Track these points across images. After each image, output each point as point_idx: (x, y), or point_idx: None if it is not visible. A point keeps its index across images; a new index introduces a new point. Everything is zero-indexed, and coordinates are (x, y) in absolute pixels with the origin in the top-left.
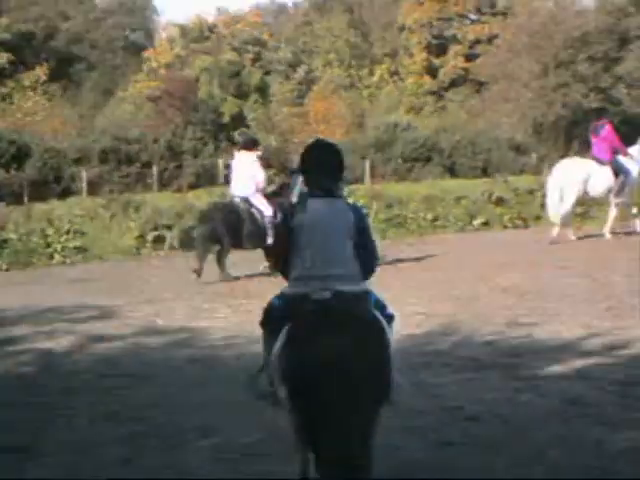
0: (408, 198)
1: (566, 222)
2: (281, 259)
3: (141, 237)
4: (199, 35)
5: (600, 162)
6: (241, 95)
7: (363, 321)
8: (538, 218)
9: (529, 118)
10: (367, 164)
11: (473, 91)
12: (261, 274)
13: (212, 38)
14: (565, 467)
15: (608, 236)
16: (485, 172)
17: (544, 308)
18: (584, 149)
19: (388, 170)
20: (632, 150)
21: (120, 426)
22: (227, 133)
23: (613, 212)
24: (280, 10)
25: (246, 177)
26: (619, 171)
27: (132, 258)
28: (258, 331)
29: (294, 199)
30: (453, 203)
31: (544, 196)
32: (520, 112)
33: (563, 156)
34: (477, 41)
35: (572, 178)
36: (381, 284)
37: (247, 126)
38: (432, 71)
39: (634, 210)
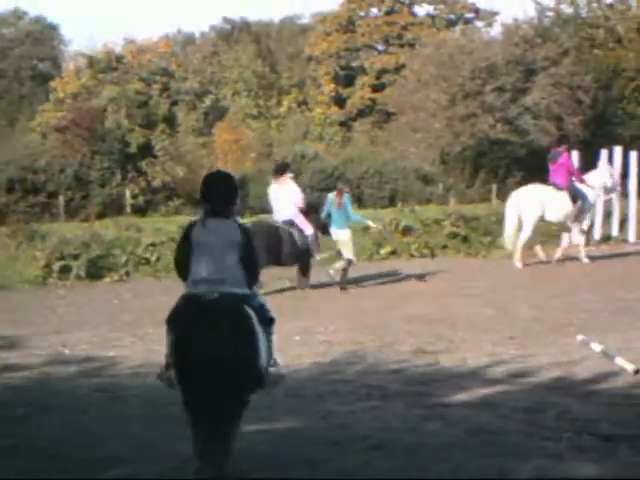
0: None
1: (526, 246)
2: (182, 266)
3: (47, 267)
4: (107, 65)
5: (558, 188)
6: (149, 125)
7: (236, 320)
8: (445, 247)
9: (436, 148)
10: None
11: (381, 121)
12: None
13: (120, 68)
14: None
15: (586, 260)
16: (392, 202)
17: (450, 336)
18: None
19: None
20: (590, 175)
21: (21, 458)
22: (134, 163)
23: (581, 238)
24: (188, 40)
25: (286, 201)
26: (576, 197)
27: (38, 288)
28: (163, 361)
29: (323, 215)
30: (360, 233)
31: (494, 222)
32: (427, 142)
33: (469, 186)
34: (384, 71)
35: (530, 204)
36: (289, 312)
37: (154, 156)
38: (340, 101)
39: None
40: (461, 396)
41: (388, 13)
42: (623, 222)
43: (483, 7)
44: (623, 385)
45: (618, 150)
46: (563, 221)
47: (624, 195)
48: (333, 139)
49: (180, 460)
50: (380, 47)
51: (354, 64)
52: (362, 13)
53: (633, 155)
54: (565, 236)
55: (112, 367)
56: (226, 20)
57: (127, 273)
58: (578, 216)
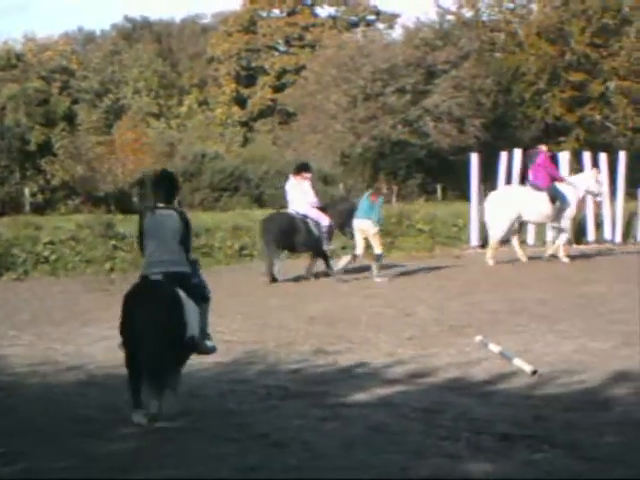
0: (215, 227)
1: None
2: (141, 245)
3: None
4: (6, 63)
5: (537, 189)
6: (48, 123)
7: (168, 294)
8: (343, 248)
9: (337, 149)
10: None
11: (282, 122)
12: None
13: (19, 66)
14: None
15: (565, 260)
16: None
17: (350, 336)
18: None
19: (196, 199)
20: (574, 179)
21: None
22: (34, 161)
23: (561, 238)
24: (88, 39)
25: (299, 197)
26: (555, 197)
27: None
28: (61, 359)
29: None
30: (260, 233)
31: (394, 223)
32: (328, 144)
33: (369, 187)
34: (285, 72)
35: (508, 204)
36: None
37: (54, 154)
38: (240, 101)
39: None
40: (360, 396)
41: (290, 14)
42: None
43: (384, 9)
44: (520, 386)
45: (518, 153)
46: (542, 221)
47: None
48: (234, 139)
49: (86, 457)
50: (281, 48)
51: (255, 64)
52: (264, 14)
53: None
54: (549, 234)
55: (10, 365)
56: (127, 19)
57: (25, 272)
58: (557, 216)
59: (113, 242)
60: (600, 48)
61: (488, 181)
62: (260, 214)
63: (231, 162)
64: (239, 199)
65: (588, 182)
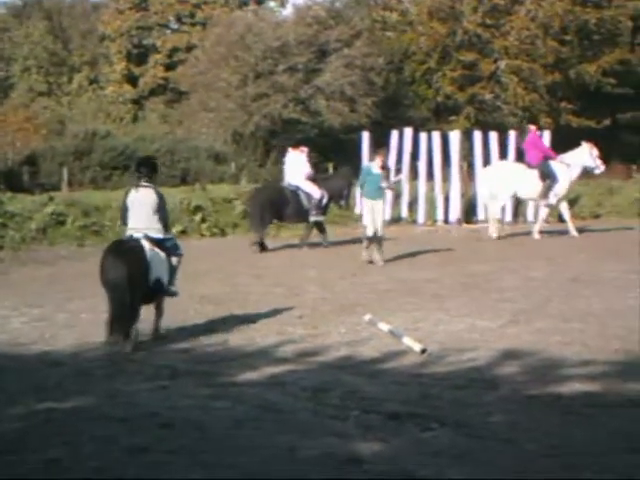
0: (106, 206)
1: (491, 220)
2: (123, 216)
3: None
4: None
5: (529, 166)
6: None
7: (136, 249)
8: (235, 226)
9: (229, 128)
10: (65, 171)
11: (173, 100)
12: None
13: None
14: (257, 474)
15: (537, 236)
16: (184, 181)
17: (239, 316)
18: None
19: (86, 178)
20: (569, 154)
21: None
22: None
23: (542, 214)
24: None
25: (295, 170)
26: (546, 175)
27: None
28: None
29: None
30: (248, 203)
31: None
32: (219, 122)
33: (261, 165)
34: (176, 50)
35: (501, 180)
36: (82, 290)
37: None
38: (132, 80)
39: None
40: (250, 375)
41: None
42: (412, 204)
43: None
44: (410, 364)
45: (408, 132)
46: (532, 198)
47: (414, 177)
48: (125, 117)
49: None
50: (173, 25)
51: (146, 42)
52: None
53: (423, 137)
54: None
55: None
56: None
57: None
58: (545, 193)
59: (1, 220)
60: (491, 28)
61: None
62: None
63: (122, 140)
64: (130, 178)
65: (583, 157)
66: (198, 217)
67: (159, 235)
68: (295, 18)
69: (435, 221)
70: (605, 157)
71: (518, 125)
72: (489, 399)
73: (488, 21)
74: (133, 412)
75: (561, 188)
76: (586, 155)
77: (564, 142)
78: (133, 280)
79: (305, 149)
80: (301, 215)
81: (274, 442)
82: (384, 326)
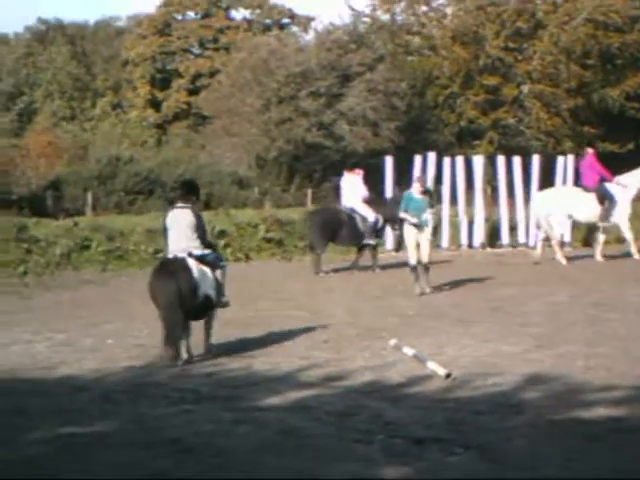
0: (130, 230)
1: (553, 244)
2: (164, 239)
3: None
4: None
5: (586, 189)
6: None
7: (184, 267)
8: (260, 251)
9: (252, 153)
10: (89, 196)
11: (196, 125)
12: None
13: None
14: None
15: (599, 258)
16: (208, 205)
17: (264, 340)
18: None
19: (111, 202)
20: (626, 177)
21: None
22: None
23: (601, 237)
24: (1, 41)
25: (351, 192)
26: (604, 197)
27: None
28: None
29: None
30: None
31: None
32: (243, 147)
33: (284, 190)
34: (199, 75)
35: (558, 205)
36: (104, 314)
37: None
38: (155, 104)
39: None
40: (274, 400)
41: (204, 17)
42: (436, 228)
43: (299, 12)
44: (434, 389)
45: (432, 156)
46: (592, 221)
47: (438, 201)
48: (148, 142)
49: None
50: (196, 50)
51: (170, 67)
52: (178, 16)
53: (446, 161)
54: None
55: None
56: (41, 21)
57: None
58: (605, 216)
59: (26, 245)
60: (514, 52)
61: (402, 184)
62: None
63: (146, 165)
64: (154, 202)
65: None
66: (222, 242)
67: (197, 250)
68: (317, 42)
69: (459, 245)
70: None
71: (542, 149)
72: (513, 424)
73: (511, 45)
74: (156, 437)
75: (620, 210)
76: None
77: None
78: (183, 298)
79: (361, 171)
80: (356, 238)
81: (296, 467)
82: (409, 350)
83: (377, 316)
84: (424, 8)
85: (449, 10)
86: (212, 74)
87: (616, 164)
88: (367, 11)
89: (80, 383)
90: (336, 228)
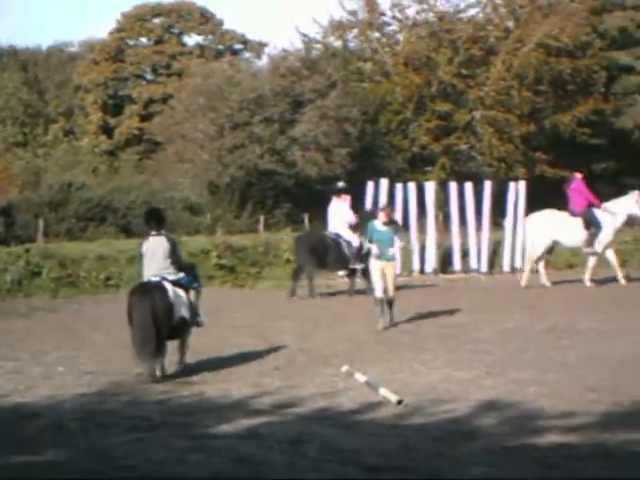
0: (81, 257)
1: (532, 267)
2: (140, 267)
3: None
4: None
5: (572, 214)
6: None
7: (159, 288)
8: (211, 277)
9: (204, 179)
10: (40, 223)
11: (149, 151)
12: None
13: None
14: None
15: (588, 284)
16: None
17: (216, 366)
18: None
19: (62, 229)
20: (616, 202)
21: None
22: None
23: (591, 261)
24: None
25: (337, 217)
26: (590, 223)
27: None
28: None
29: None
30: (126, 262)
31: (261, 253)
32: (195, 173)
33: (237, 216)
34: (152, 101)
35: (543, 229)
36: (54, 342)
37: None
38: (108, 131)
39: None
40: (226, 427)
41: (157, 42)
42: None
43: (252, 38)
44: (387, 415)
45: (384, 182)
46: (577, 245)
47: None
48: (100, 168)
49: None
50: (149, 76)
51: (122, 93)
52: (131, 42)
53: (398, 187)
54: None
55: None
56: None
57: None
58: (590, 241)
59: None
60: (466, 78)
61: (355, 210)
62: (127, 244)
63: (98, 192)
64: (106, 229)
65: (629, 206)
66: None
67: (172, 276)
68: (270, 68)
69: (411, 271)
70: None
71: (493, 175)
72: (466, 450)
73: (464, 71)
74: (108, 466)
75: (605, 236)
76: (633, 204)
77: (539, 192)
78: (158, 317)
79: (347, 197)
80: (342, 262)
81: None
82: (361, 377)
83: (329, 342)
84: (376, 34)
85: (401, 36)
86: (165, 100)
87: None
88: (318, 37)
89: (32, 411)
90: (323, 253)
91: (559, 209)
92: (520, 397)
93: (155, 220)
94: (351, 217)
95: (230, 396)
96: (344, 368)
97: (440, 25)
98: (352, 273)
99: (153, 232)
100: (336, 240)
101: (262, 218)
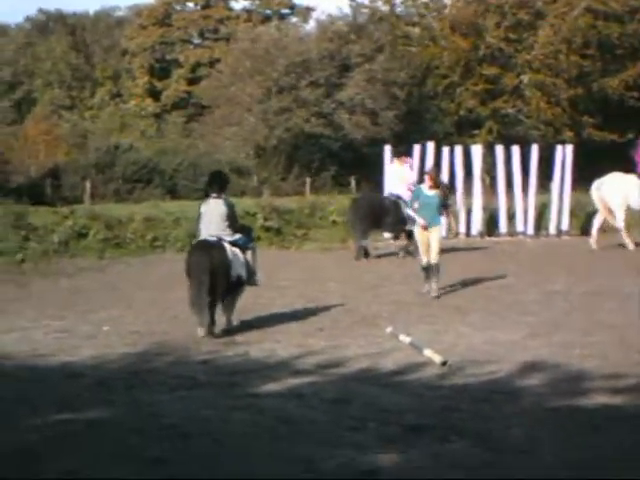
0: (128, 219)
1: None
2: (196, 225)
3: None
4: None
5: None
6: None
7: (215, 247)
8: (257, 239)
9: (251, 141)
10: (88, 185)
11: (196, 114)
12: None
13: None
14: None
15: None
16: (207, 194)
17: (261, 327)
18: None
19: (109, 191)
20: None
21: None
22: None
23: None
24: (2, 31)
25: (398, 180)
26: None
27: None
28: None
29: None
30: (172, 224)
31: (307, 215)
32: (242, 136)
33: (283, 179)
34: (199, 64)
35: (615, 192)
36: (99, 302)
37: None
38: (154, 94)
39: None
40: (270, 386)
41: (204, 7)
42: None
43: (299, 3)
44: (430, 376)
45: (431, 145)
46: None
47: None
48: (147, 131)
49: None
50: (196, 40)
51: (169, 57)
52: (178, 7)
53: (445, 150)
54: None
55: None
56: (41, 12)
57: None
58: None
59: (23, 233)
60: (514, 42)
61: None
62: (173, 206)
63: (144, 154)
64: (152, 191)
65: None
66: None
67: (228, 237)
68: (318, 33)
69: (458, 234)
70: (630, 171)
71: (541, 139)
72: (509, 412)
73: (511, 36)
74: (152, 423)
75: None
76: None
77: (587, 156)
78: (217, 274)
79: (409, 159)
80: (402, 223)
81: (291, 453)
82: (405, 338)
83: (373, 304)
84: None
85: (448, 1)
86: (211, 64)
87: (615, 153)
88: (366, 2)
89: (77, 370)
90: (379, 215)
91: (606, 173)
92: (564, 359)
93: (218, 183)
94: (413, 179)
95: (275, 356)
96: (389, 329)
97: None
98: (397, 236)
99: (214, 194)
100: (396, 202)
101: (308, 181)
